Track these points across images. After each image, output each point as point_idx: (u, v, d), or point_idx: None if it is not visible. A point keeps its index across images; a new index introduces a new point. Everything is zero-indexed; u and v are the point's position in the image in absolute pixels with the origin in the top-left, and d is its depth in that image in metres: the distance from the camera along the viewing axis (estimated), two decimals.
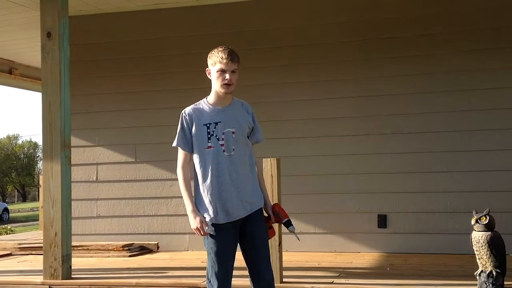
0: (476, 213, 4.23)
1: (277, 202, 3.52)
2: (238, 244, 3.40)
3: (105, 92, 7.51)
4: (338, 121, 6.78)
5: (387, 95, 6.66)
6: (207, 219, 3.32)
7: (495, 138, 6.35)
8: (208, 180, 3.31)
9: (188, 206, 3.35)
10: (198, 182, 3.37)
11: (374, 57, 6.72)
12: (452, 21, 6.55)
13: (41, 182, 8.07)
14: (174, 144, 3.46)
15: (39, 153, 52.28)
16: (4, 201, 43.49)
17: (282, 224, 3.55)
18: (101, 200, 7.45)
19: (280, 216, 3.44)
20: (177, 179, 3.45)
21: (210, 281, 3.32)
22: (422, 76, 6.60)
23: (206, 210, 3.32)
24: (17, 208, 38.83)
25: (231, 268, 3.34)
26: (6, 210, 30.18)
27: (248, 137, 3.43)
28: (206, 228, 3.28)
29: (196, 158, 3.38)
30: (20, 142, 57.13)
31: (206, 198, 3.32)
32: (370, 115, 6.69)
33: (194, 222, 3.30)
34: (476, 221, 4.19)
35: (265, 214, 3.51)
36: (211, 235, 3.32)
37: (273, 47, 6.97)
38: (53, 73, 5.38)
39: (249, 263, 3.37)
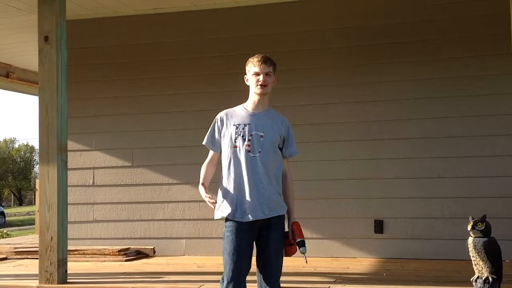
0: (473, 218, 4.23)
1: (296, 221, 3.51)
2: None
3: (102, 96, 7.50)
4: (335, 126, 6.78)
5: (384, 100, 6.67)
6: (225, 214, 3.40)
7: (491, 144, 6.37)
8: (231, 178, 3.42)
9: (200, 184, 3.52)
10: (223, 180, 3.47)
11: (371, 62, 6.73)
12: (450, 27, 6.55)
13: (37, 186, 8.03)
14: (203, 142, 3.62)
15: (36, 157, 52.21)
16: (0, 204, 43.38)
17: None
18: (97, 204, 7.44)
19: (294, 234, 3.45)
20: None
21: (223, 280, 3.37)
22: (419, 81, 6.61)
23: (229, 207, 3.40)
24: (13, 212, 38.75)
25: (245, 269, 3.37)
26: (2, 213, 30.10)
27: (281, 149, 3.52)
28: (208, 195, 3.40)
29: (223, 156, 3.51)
30: (16, 145, 57.15)
31: (228, 195, 3.42)
32: (367, 120, 6.70)
33: (201, 193, 3.46)
34: (473, 227, 4.18)
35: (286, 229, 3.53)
36: (226, 235, 3.39)
37: (271, 52, 6.91)
38: (50, 77, 5.38)
39: (259, 269, 3.43)
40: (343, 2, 6.87)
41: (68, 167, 5.56)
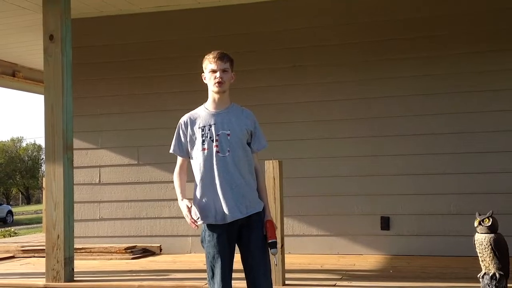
0: (479, 215, 4.22)
1: (270, 219, 3.41)
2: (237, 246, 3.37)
3: (108, 94, 7.51)
4: (340, 123, 6.77)
5: (389, 97, 6.66)
6: (206, 220, 3.31)
7: (497, 140, 6.34)
8: (204, 181, 3.34)
9: (179, 199, 3.41)
10: (197, 185, 3.38)
11: (375, 59, 6.71)
12: (453, 23, 6.53)
13: (44, 185, 8.04)
14: (171, 150, 3.58)
15: (43, 156, 52.37)
16: (8, 203, 43.58)
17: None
18: (104, 202, 7.46)
19: (266, 234, 3.33)
20: None
21: (209, 284, 3.33)
22: (423, 77, 6.59)
23: (206, 211, 3.31)
24: (21, 211, 38.91)
25: (229, 271, 3.32)
26: (10, 212, 30.25)
27: (249, 144, 3.42)
28: (192, 214, 3.27)
29: (193, 161, 3.43)
30: (24, 144, 57.40)
31: (202, 199, 3.33)
32: (372, 117, 6.69)
33: (183, 210, 3.33)
34: (479, 223, 4.17)
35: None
36: (207, 240, 3.31)
37: (275, 49, 6.96)
38: (55, 75, 5.39)
39: (245, 270, 3.33)
40: None
41: (74, 166, 5.58)
